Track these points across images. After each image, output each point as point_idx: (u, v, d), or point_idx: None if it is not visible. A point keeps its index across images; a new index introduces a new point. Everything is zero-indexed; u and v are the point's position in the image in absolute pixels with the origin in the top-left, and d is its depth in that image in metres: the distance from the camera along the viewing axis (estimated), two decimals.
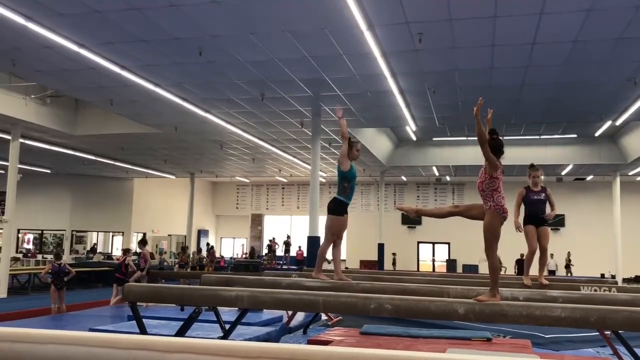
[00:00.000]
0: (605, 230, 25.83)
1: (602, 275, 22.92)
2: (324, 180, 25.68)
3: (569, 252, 24.01)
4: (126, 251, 13.19)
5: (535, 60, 10.02)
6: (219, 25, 8.84)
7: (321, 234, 5.78)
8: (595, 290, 7.36)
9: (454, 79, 11.25)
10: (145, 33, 9.17)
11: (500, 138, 4.25)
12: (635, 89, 11.41)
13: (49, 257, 24.21)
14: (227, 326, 6.65)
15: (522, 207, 6.77)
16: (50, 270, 11.03)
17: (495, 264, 4.17)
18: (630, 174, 22.63)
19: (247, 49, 9.78)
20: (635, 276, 20.95)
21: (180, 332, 4.69)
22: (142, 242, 13.64)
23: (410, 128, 17.97)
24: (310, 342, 7.30)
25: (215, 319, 6.87)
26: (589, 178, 25.50)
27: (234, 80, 11.64)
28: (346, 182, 5.58)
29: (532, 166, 6.82)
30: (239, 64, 10.57)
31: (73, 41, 9.52)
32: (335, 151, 19.33)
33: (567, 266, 23.75)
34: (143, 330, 4.64)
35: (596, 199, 26.78)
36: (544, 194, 6.65)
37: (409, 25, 8.55)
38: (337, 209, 5.65)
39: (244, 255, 29.39)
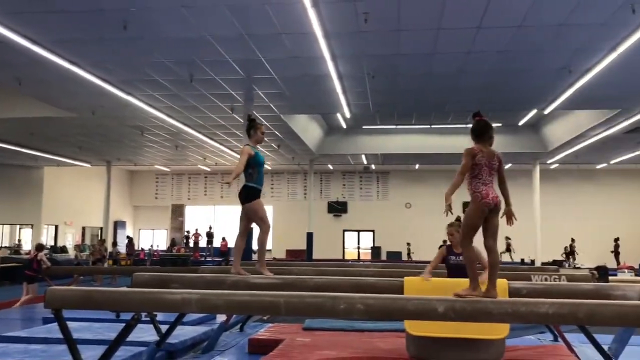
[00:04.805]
0: (523, 218, 26.69)
1: (522, 261, 23.78)
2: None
3: (507, 237, 23.72)
4: (39, 247, 11.95)
5: (477, 46, 9.86)
6: None
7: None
8: (546, 279, 7.30)
9: (395, 64, 10.93)
10: (62, 1, 8.12)
11: (486, 119, 3.88)
12: (568, 77, 11.56)
13: None
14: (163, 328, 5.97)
15: None
16: None
17: (471, 256, 3.83)
18: (549, 162, 23.58)
19: (178, 24, 8.95)
20: (553, 260, 21.80)
21: (115, 345, 3.99)
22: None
23: (343, 115, 17.65)
24: (251, 341, 6.70)
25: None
26: (507, 167, 26.32)
27: (161, 59, 10.73)
28: (251, 169, 5.37)
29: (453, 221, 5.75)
30: (168, 41, 9.71)
31: None
32: (266, 139, 18.67)
33: (508, 250, 23.58)
34: (72, 346, 3.90)
35: (514, 187, 27.53)
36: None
37: (356, 3, 8.08)
38: (252, 194, 5.37)
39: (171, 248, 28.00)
